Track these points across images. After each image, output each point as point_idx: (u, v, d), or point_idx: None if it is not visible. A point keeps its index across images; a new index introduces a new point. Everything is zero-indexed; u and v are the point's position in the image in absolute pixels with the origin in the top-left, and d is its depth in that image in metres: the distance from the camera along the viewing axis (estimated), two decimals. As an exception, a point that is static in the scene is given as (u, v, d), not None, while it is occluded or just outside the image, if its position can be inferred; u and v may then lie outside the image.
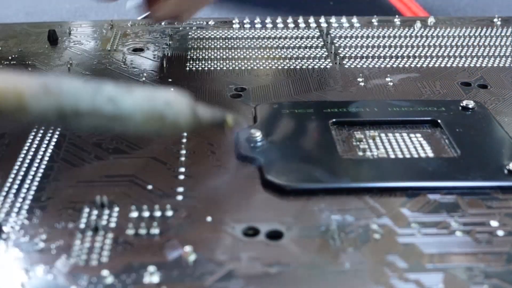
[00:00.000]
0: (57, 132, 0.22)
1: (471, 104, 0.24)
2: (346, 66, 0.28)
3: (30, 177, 0.20)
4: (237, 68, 0.28)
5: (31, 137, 0.22)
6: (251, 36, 0.32)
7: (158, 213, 0.18)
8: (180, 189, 0.19)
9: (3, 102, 0.12)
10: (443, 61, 0.29)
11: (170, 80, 0.27)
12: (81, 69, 0.28)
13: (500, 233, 0.17)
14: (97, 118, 0.12)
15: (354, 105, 0.24)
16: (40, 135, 0.22)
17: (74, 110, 0.12)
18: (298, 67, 0.28)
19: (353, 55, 0.30)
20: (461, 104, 0.24)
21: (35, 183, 0.19)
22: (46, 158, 0.21)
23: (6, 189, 0.19)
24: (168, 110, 0.13)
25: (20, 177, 0.20)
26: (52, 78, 0.12)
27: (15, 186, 0.19)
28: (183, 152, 0.21)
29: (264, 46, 0.31)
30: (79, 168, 0.20)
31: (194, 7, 0.29)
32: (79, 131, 0.13)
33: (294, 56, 0.29)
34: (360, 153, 0.21)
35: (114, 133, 0.13)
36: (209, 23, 0.34)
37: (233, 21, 0.34)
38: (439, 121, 0.23)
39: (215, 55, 0.30)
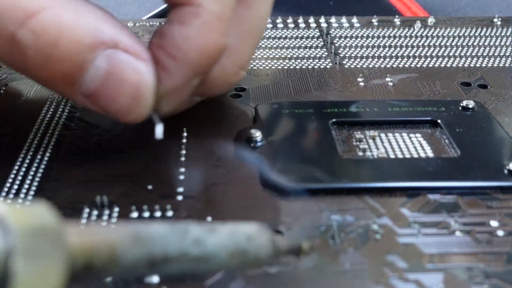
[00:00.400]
0: (57, 132, 0.22)
1: (471, 104, 0.24)
2: (346, 66, 0.28)
3: (30, 177, 0.20)
4: (237, 68, 0.28)
5: (31, 137, 0.22)
6: (251, 36, 0.32)
7: (158, 213, 0.18)
8: (180, 189, 0.19)
9: (97, 256, 0.12)
10: (443, 61, 0.29)
11: (170, 80, 0.27)
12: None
13: (500, 233, 0.17)
14: (185, 262, 0.13)
15: (354, 105, 0.24)
16: (40, 135, 0.22)
17: (164, 257, 0.12)
18: (298, 67, 0.28)
19: (353, 55, 0.30)
20: (461, 104, 0.24)
21: (35, 183, 0.19)
22: (46, 158, 0.21)
23: (6, 189, 0.19)
24: (250, 245, 0.13)
25: (20, 177, 0.20)
26: (142, 226, 0.13)
27: (15, 186, 0.19)
28: (183, 152, 0.21)
29: (264, 46, 0.31)
30: (79, 168, 0.20)
31: None
32: (168, 276, 0.13)
33: (294, 56, 0.29)
34: (360, 153, 0.21)
35: (200, 272, 0.13)
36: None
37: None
38: (439, 121, 0.23)
39: (215, 55, 0.30)
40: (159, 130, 0.18)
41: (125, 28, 0.18)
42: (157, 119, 0.19)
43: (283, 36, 0.32)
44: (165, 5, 0.36)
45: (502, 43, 0.31)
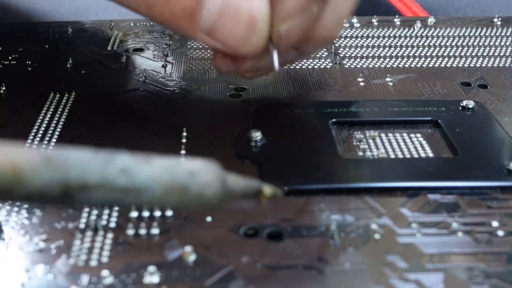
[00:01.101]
0: (57, 132, 0.22)
1: (471, 104, 0.24)
2: (346, 66, 0.28)
3: (30, 177, 0.20)
4: (237, 68, 0.28)
5: (31, 137, 0.22)
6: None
7: (158, 213, 0.18)
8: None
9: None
10: (443, 61, 0.29)
11: (170, 80, 0.27)
12: (81, 69, 0.28)
13: (500, 233, 0.17)
14: (109, 192, 0.12)
15: (354, 105, 0.24)
16: (40, 135, 0.22)
17: (81, 184, 0.11)
18: (298, 67, 0.28)
19: (353, 55, 0.30)
20: (461, 104, 0.24)
21: (35, 183, 0.19)
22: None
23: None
24: (192, 181, 0.12)
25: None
26: (57, 151, 0.12)
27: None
28: (183, 152, 0.21)
29: (264, 46, 0.31)
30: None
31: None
32: (87, 203, 0.13)
33: (294, 56, 0.29)
34: (360, 153, 0.21)
35: (127, 206, 0.12)
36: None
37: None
38: (439, 121, 0.23)
39: (215, 55, 0.30)
40: (275, 60, 0.19)
41: None
42: (273, 50, 0.20)
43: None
44: None
45: (502, 43, 0.31)
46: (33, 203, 0.13)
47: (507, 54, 0.30)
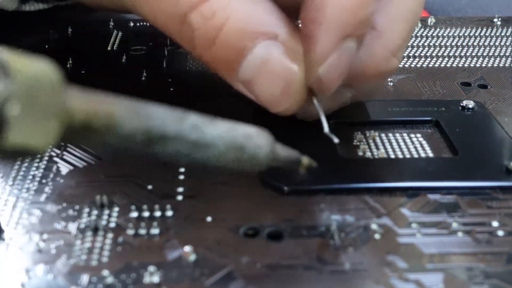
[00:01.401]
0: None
1: (471, 104, 0.24)
2: (346, 66, 0.28)
3: (30, 177, 0.20)
4: (237, 68, 0.28)
5: (31, 137, 0.22)
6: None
7: (158, 213, 0.18)
8: (180, 189, 0.19)
9: (95, 121, 0.12)
10: (443, 61, 0.29)
11: (170, 80, 0.27)
12: (81, 69, 0.28)
13: (500, 233, 0.17)
14: (182, 145, 0.13)
15: (354, 105, 0.24)
16: (40, 135, 0.22)
17: (161, 135, 0.13)
18: (298, 67, 0.28)
19: (353, 55, 0.30)
20: (461, 104, 0.24)
21: (35, 183, 0.19)
22: (46, 158, 0.21)
23: (5, 189, 0.19)
24: (248, 142, 0.14)
25: (20, 178, 0.20)
26: (140, 102, 0.13)
27: (15, 186, 0.19)
28: (183, 152, 0.21)
29: (264, 46, 0.30)
30: (79, 168, 0.20)
31: None
32: (162, 155, 0.13)
33: (294, 56, 0.29)
34: (360, 153, 0.21)
35: (195, 160, 0.14)
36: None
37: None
38: (439, 121, 0.23)
39: (215, 55, 0.30)
40: (324, 123, 0.19)
41: (288, 21, 0.19)
42: (320, 109, 0.19)
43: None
44: None
45: (502, 43, 0.31)
46: (119, 151, 0.14)
47: (507, 54, 0.30)
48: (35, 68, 0.11)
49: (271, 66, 0.18)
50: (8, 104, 0.11)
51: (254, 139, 0.14)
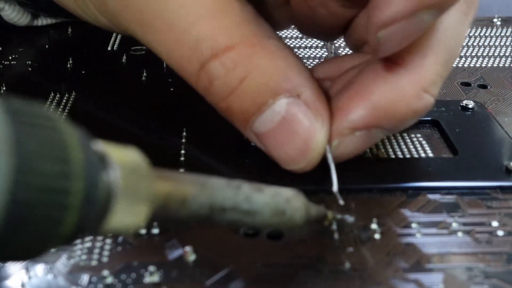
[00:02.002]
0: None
1: (471, 104, 0.24)
2: (346, 66, 0.28)
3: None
4: (237, 68, 0.28)
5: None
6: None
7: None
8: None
9: (172, 200, 0.13)
10: (443, 61, 0.29)
11: (170, 80, 0.27)
12: (81, 69, 0.28)
13: (500, 233, 0.17)
14: (236, 214, 0.14)
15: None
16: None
17: (221, 208, 0.14)
18: (298, 67, 0.28)
19: (353, 55, 0.30)
20: (461, 104, 0.24)
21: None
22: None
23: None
24: (288, 206, 0.15)
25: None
26: (207, 177, 0.14)
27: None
28: (183, 152, 0.21)
29: (264, 46, 0.30)
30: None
31: None
32: (219, 223, 0.15)
33: (294, 56, 0.29)
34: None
35: (243, 225, 0.15)
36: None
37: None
38: (439, 121, 0.23)
39: (215, 55, 0.30)
40: (334, 180, 0.18)
41: (313, 79, 0.18)
42: (332, 164, 0.18)
43: (283, 36, 0.32)
44: None
45: (502, 43, 0.31)
46: (186, 223, 0.16)
47: (507, 54, 0.30)
48: (129, 157, 0.12)
49: (290, 125, 0.17)
50: (111, 193, 0.12)
51: (293, 203, 0.15)
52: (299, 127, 0.17)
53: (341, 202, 0.18)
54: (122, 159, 0.12)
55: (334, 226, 0.17)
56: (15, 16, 0.29)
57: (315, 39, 0.31)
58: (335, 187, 0.17)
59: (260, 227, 0.16)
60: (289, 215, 0.15)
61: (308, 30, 0.22)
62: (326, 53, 0.30)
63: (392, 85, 0.17)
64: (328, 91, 0.19)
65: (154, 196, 0.13)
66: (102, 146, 0.12)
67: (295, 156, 0.18)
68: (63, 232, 0.11)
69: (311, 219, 0.16)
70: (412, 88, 0.17)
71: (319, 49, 0.30)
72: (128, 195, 0.12)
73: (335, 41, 0.31)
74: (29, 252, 0.11)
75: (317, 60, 0.29)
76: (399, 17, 0.15)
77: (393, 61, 0.17)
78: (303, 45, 0.31)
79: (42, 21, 0.32)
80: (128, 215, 0.12)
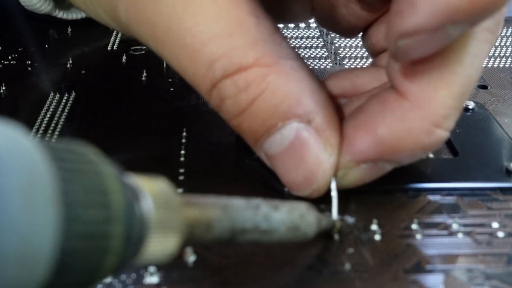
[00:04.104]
0: (57, 132, 0.22)
1: (471, 104, 0.24)
2: (346, 66, 0.28)
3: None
4: (237, 68, 0.28)
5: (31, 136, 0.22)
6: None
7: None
8: (180, 189, 0.19)
9: (197, 226, 0.13)
10: (443, 62, 0.29)
11: (170, 80, 0.27)
12: (81, 69, 0.28)
13: (500, 234, 0.17)
14: (256, 234, 0.14)
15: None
16: (40, 135, 0.22)
17: (242, 229, 0.14)
18: (298, 67, 0.28)
19: (353, 55, 0.30)
20: (461, 105, 0.24)
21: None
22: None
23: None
24: (302, 222, 0.15)
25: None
26: (228, 200, 0.14)
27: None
28: (183, 152, 0.21)
29: (264, 46, 0.30)
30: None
31: None
32: (241, 245, 0.15)
33: (294, 56, 0.29)
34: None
35: (260, 242, 0.15)
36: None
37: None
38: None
39: (215, 55, 0.30)
40: (334, 210, 0.17)
41: (328, 105, 0.17)
42: (335, 195, 0.17)
43: (283, 36, 0.32)
44: None
45: (502, 43, 0.31)
46: (210, 245, 0.16)
47: (507, 54, 0.30)
48: (159, 188, 0.13)
49: (298, 151, 0.17)
50: (146, 225, 0.12)
51: (307, 218, 0.15)
52: (307, 154, 0.17)
53: (336, 237, 0.17)
54: (153, 191, 0.12)
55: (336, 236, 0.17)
56: (37, 1, 0.28)
57: (315, 39, 0.31)
58: (334, 215, 0.17)
59: (275, 245, 0.16)
60: (303, 230, 0.15)
61: (327, 25, 0.22)
62: (326, 53, 0.30)
63: (398, 119, 0.16)
64: (343, 109, 0.19)
65: (184, 224, 0.13)
66: (133, 179, 0.13)
67: (301, 183, 0.17)
68: (104, 273, 0.11)
69: (321, 230, 0.16)
70: (421, 123, 0.16)
71: (319, 49, 0.30)
72: (160, 227, 0.12)
73: (335, 41, 0.31)
74: None
75: (317, 60, 0.29)
76: (424, 28, 0.14)
77: (401, 93, 0.17)
78: (303, 45, 0.31)
79: (62, 14, 0.31)
80: (161, 246, 0.12)
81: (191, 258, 0.16)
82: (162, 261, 0.13)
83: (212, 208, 0.14)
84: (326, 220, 0.16)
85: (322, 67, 0.28)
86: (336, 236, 0.17)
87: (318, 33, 0.32)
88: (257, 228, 0.14)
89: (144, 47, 0.30)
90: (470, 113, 0.23)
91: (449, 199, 0.19)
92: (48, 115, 0.24)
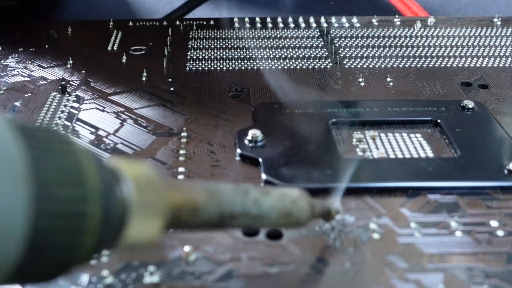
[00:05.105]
0: (57, 132, 0.22)
1: (471, 104, 0.24)
2: (346, 66, 0.28)
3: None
4: (237, 68, 0.28)
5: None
6: (251, 36, 0.32)
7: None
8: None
9: (183, 210, 0.13)
10: (443, 61, 0.29)
11: (170, 80, 0.27)
12: (81, 69, 0.28)
13: (500, 233, 0.17)
14: (245, 219, 0.14)
15: (354, 105, 0.24)
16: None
17: (230, 214, 0.14)
18: (298, 67, 0.28)
19: (353, 55, 0.30)
20: (461, 104, 0.24)
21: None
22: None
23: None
24: (294, 207, 0.15)
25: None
26: (215, 184, 0.14)
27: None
28: (183, 152, 0.21)
29: (264, 46, 0.31)
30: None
31: None
32: (228, 228, 0.15)
33: (294, 56, 0.29)
34: (360, 153, 0.21)
35: (251, 227, 0.16)
36: (209, 23, 0.34)
37: (234, 21, 0.34)
38: (439, 121, 0.23)
39: (215, 55, 0.30)
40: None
41: None
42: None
43: (283, 36, 0.32)
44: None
45: (502, 43, 0.31)
46: (197, 231, 0.16)
47: (507, 54, 0.30)
48: (140, 171, 0.13)
49: None
50: (127, 208, 0.12)
51: (299, 203, 0.15)
52: None
53: (334, 222, 0.17)
54: (134, 173, 0.12)
55: (334, 223, 0.17)
56: None
57: (315, 39, 0.31)
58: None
59: (268, 228, 0.17)
60: (295, 216, 0.15)
61: None
62: (326, 53, 0.30)
63: None
64: None
65: (167, 208, 0.13)
66: (114, 162, 0.12)
67: None
68: (82, 254, 0.11)
69: (315, 216, 0.16)
70: None
71: (319, 49, 0.30)
72: (142, 209, 0.12)
73: (335, 41, 0.31)
74: (50, 275, 0.11)
75: (317, 60, 0.29)
76: None
77: None
78: (303, 45, 0.31)
79: None
80: (143, 229, 0.12)
81: (191, 257, 0.16)
82: (146, 244, 0.13)
83: (199, 192, 0.14)
84: (320, 207, 0.16)
85: (322, 67, 0.28)
86: (334, 222, 0.17)
87: (318, 33, 0.32)
88: (247, 213, 0.14)
89: (144, 47, 0.30)
90: (470, 113, 0.23)
91: (449, 198, 0.19)
92: (48, 116, 0.24)
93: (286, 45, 0.31)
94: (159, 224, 0.13)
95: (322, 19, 0.34)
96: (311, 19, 0.34)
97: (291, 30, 0.33)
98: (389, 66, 0.28)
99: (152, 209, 0.12)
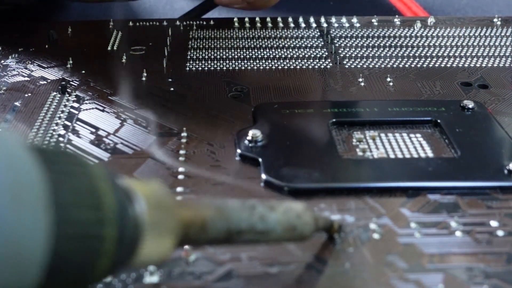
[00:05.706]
0: (57, 132, 0.22)
1: (471, 104, 0.24)
2: (346, 66, 0.28)
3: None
4: (237, 68, 0.28)
5: (31, 137, 0.22)
6: (251, 36, 0.32)
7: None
8: (180, 189, 0.19)
9: (192, 228, 0.13)
10: (443, 61, 0.29)
11: (170, 80, 0.27)
12: (81, 69, 0.28)
13: (500, 233, 0.17)
14: (252, 235, 0.14)
15: (354, 105, 0.24)
16: (39, 136, 0.22)
17: (238, 231, 0.14)
18: (298, 67, 0.28)
19: (353, 55, 0.30)
20: (461, 104, 0.24)
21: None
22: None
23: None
24: (298, 222, 0.15)
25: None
26: (223, 201, 0.14)
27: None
28: (183, 152, 0.21)
29: (264, 46, 0.31)
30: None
31: None
32: (235, 244, 0.15)
33: (294, 56, 0.29)
34: (360, 153, 0.21)
35: (257, 242, 0.15)
36: (209, 23, 0.34)
37: (233, 21, 0.34)
38: (439, 121, 0.23)
39: (215, 55, 0.30)
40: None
41: None
42: None
43: (283, 36, 0.32)
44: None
45: (502, 43, 0.31)
46: (205, 246, 0.16)
47: (507, 54, 0.30)
48: (152, 190, 0.13)
49: None
50: (140, 227, 0.12)
51: (303, 218, 0.15)
52: None
53: (336, 237, 0.17)
54: (146, 192, 0.13)
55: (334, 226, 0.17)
56: None
57: (315, 39, 0.31)
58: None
59: (272, 244, 0.17)
60: (300, 230, 0.15)
61: None
62: (326, 53, 0.30)
63: None
64: None
65: (178, 225, 0.13)
66: (126, 182, 0.13)
67: None
68: (98, 274, 0.11)
69: (319, 230, 0.16)
70: None
71: (319, 49, 0.30)
72: (155, 228, 0.12)
73: (335, 41, 0.31)
74: None
75: (317, 60, 0.29)
76: None
77: None
78: (303, 45, 0.31)
79: None
80: (155, 248, 0.13)
81: (191, 257, 0.16)
82: (158, 262, 0.13)
83: (207, 209, 0.14)
84: (323, 220, 0.16)
85: (322, 67, 0.28)
86: (336, 236, 0.17)
87: (318, 33, 0.32)
88: (253, 228, 0.14)
89: (144, 47, 0.30)
90: (470, 113, 0.23)
91: (449, 198, 0.19)
92: (48, 115, 0.24)
93: (286, 45, 0.31)
94: (171, 242, 0.13)
95: (322, 19, 0.34)
96: (311, 19, 0.34)
97: (291, 30, 0.33)
98: (389, 66, 0.28)
99: (164, 227, 0.13)
